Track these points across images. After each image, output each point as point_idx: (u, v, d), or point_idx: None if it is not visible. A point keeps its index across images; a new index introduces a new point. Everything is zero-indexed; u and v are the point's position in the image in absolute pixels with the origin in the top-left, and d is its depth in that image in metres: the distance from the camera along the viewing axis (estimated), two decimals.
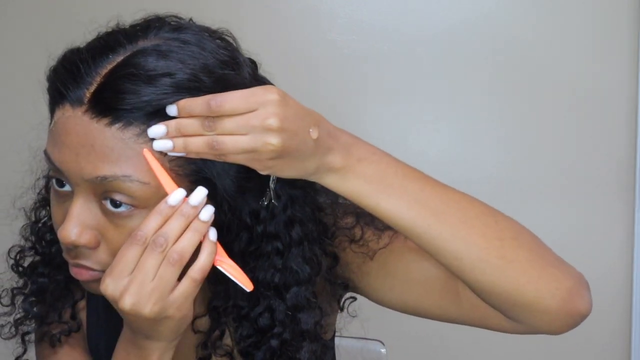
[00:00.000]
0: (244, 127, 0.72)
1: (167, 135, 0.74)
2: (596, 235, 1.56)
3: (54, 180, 0.80)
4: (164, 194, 0.76)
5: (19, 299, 0.93)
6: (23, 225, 0.95)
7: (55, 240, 0.90)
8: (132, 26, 0.81)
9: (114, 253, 0.77)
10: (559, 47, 1.54)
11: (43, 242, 0.94)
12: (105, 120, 0.74)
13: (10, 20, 1.65)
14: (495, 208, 0.86)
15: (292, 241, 0.84)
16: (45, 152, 0.80)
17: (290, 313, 0.85)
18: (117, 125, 0.75)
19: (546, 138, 1.56)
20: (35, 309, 0.93)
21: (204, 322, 0.88)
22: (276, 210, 0.83)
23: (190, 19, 0.85)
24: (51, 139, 0.79)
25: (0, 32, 1.66)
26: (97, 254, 0.79)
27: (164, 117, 0.75)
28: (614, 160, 1.54)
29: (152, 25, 0.81)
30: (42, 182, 0.94)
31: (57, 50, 0.82)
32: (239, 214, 0.82)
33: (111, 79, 0.75)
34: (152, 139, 0.75)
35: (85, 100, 0.75)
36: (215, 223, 0.78)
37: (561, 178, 1.57)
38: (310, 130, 0.75)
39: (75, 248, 0.78)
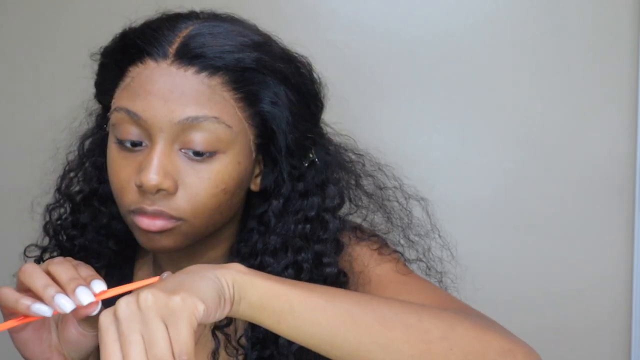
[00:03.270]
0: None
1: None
2: (596, 235, 1.56)
3: (126, 143, 0.85)
4: (244, 142, 0.86)
5: None
6: (44, 224, 0.97)
7: (77, 236, 0.94)
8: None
9: (191, 199, 0.84)
10: (559, 48, 1.54)
11: (64, 238, 0.96)
12: (193, 69, 0.83)
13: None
14: (414, 304, 0.77)
15: (327, 197, 0.93)
16: (118, 109, 0.85)
17: (314, 264, 0.90)
18: (204, 74, 0.83)
19: (546, 138, 1.56)
20: None
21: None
22: (315, 170, 0.93)
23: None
24: (129, 94, 0.85)
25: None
26: (175, 200, 0.84)
27: (242, 69, 0.84)
28: (614, 160, 1.54)
29: (202, 13, 0.92)
30: (61, 182, 0.97)
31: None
32: (280, 171, 0.91)
33: (194, 35, 0.84)
34: (236, 90, 0.84)
35: (170, 54, 0.83)
36: (263, 179, 0.91)
37: (561, 178, 1.56)
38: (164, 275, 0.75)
39: (155, 194, 0.83)
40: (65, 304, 0.72)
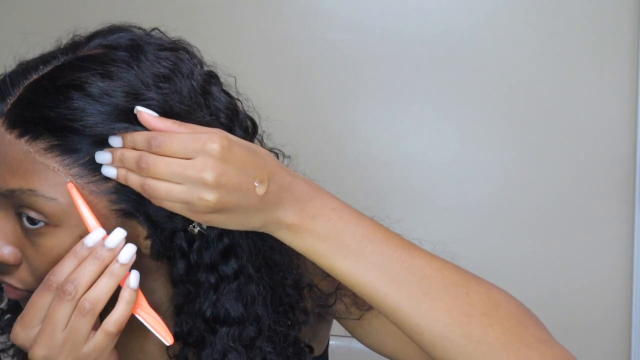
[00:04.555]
0: (179, 176, 0.68)
1: (112, 164, 0.71)
2: (597, 234, 1.56)
3: None
4: (78, 216, 0.72)
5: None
6: None
7: None
8: (75, 40, 0.79)
9: (35, 273, 0.75)
10: (559, 47, 1.54)
11: None
12: (16, 132, 0.72)
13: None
14: (474, 275, 0.76)
15: (225, 275, 0.78)
16: None
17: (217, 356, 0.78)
18: (25, 138, 0.72)
19: (546, 137, 1.56)
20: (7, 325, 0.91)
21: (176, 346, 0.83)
22: (210, 239, 0.77)
23: (153, 30, 0.82)
24: None
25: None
26: (20, 273, 0.76)
27: (73, 131, 0.71)
28: (614, 159, 1.54)
29: (93, 36, 0.78)
30: None
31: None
32: (174, 237, 0.76)
33: (25, 91, 0.73)
34: (62, 157, 0.71)
35: (3, 113, 0.73)
36: (152, 246, 0.75)
37: (562, 177, 1.57)
38: (256, 185, 0.70)
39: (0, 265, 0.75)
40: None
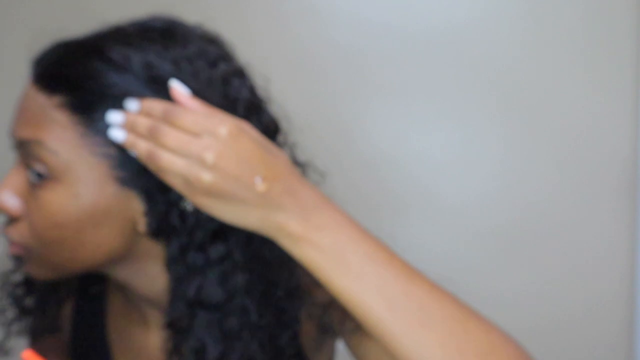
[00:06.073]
0: (183, 150, 0.70)
1: (123, 127, 0.73)
2: (598, 235, 1.56)
3: None
4: (79, 170, 0.75)
5: (11, 293, 0.94)
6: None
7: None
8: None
9: (30, 228, 0.77)
10: (561, 47, 1.54)
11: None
12: (37, 86, 0.77)
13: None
14: (474, 312, 0.73)
15: (210, 258, 0.77)
16: None
17: (198, 341, 0.78)
18: (44, 92, 0.76)
19: (548, 137, 1.56)
20: (24, 303, 0.93)
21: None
22: (202, 218, 0.76)
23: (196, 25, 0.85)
24: None
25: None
26: (19, 227, 0.78)
27: (87, 91, 0.74)
28: (616, 159, 1.54)
29: (129, 23, 0.81)
30: None
31: None
32: (169, 215, 0.77)
33: (52, 50, 0.78)
34: (72, 114, 0.75)
35: (33, 75, 0.78)
36: (148, 223, 0.76)
37: (563, 177, 1.57)
38: (257, 180, 0.70)
39: (4, 215, 0.78)
40: None
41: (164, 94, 0.74)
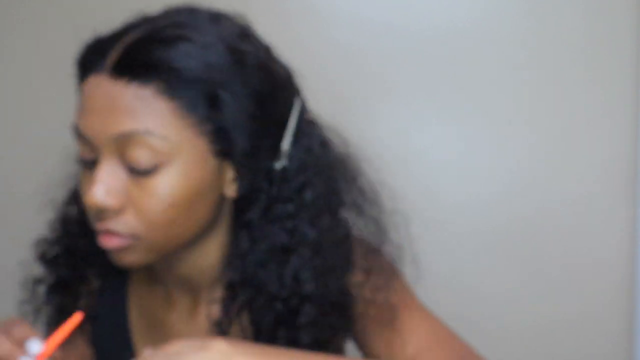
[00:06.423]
0: None
1: None
2: (598, 235, 1.56)
3: (83, 162, 0.83)
4: (185, 150, 0.80)
5: (40, 288, 0.96)
6: (52, 219, 0.98)
7: (80, 234, 0.95)
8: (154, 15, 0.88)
9: (141, 216, 0.82)
10: (562, 47, 1.54)
11: (69, 235, 0.97)
12: (125, 79, 0.79)
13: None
14: None
15: (303, 203, 0.87)
16: (73, 128, 0.84)
17: (294, 275, 0.87)
18: (135, 83, 0.79)
19: (548, 136, 1.57)
20: (54, 298, 0.97)
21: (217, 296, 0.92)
22: (290, 174, 0.87)
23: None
24: (79, 110, 0.83)
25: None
26: (125, 218, 0.82)
27: (176, 76, 0.79)
28: (616, 159, 1.54)
29: (150, 16, 0.87)
30: (73, 180, 0.98)
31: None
32: (256, 175, 0.86)
33: (128, 44, 0.81)
34: (171, 99, 0.79)
35: (107, 66, 0.80)
36: (238, 188, 0.85)
37: (563, 177, 1.57)
38: None
39: (102, 213, 0.81)
40: None
41: (245, 65, 0.83)
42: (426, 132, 1.59)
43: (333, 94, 1.64)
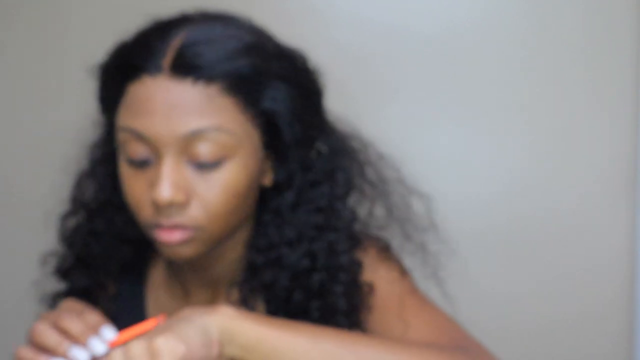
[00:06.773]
0: None
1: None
2: (598, 235, 1.56)
3: (132, 162, 0.86)
4: (249, 144, 0.86)
5: (59, 300, 0.99)
6: (59, 231, 0.99)
7: (92, 243, 0.97)
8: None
9: (205, 208, 0.86)
10: (561, 47, 1.54)
11: (81, 244, 0.99)
12: (189, 80, 0.83)
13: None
14: (407, 347, 0.83)
15: (337, 185, 0.96)
16: (123, 129, 0.86)
17: (328, 252, 0.93)
18: (201, 83, 0.83)
19: (548, 136, 1.57)
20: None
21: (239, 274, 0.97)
22: (323, 158, 0.96)
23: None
24: (131, 112, 0.85)
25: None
26: (190, 211, 0.86)
27: (238, 75, 0.84)
28: (617, 159, 1.55)
29: (191, 15, 0.92)
30: (74, 190, 1.00)
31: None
32: (292, 163, 0.92)
33: (186, 44, 0.84)
34: (234, 95, 0.85)
35: (165, 67, 0.83)
36: (275, 176, 0.92)
37: (564, 177, 1.57)
38: None
39: (169, 208, 0.85)
40: (81, 356, 0.77)
41: (288, 60, 0.92)
42: (426, 132, 1.59)
43: (333, 94, 1.64)
